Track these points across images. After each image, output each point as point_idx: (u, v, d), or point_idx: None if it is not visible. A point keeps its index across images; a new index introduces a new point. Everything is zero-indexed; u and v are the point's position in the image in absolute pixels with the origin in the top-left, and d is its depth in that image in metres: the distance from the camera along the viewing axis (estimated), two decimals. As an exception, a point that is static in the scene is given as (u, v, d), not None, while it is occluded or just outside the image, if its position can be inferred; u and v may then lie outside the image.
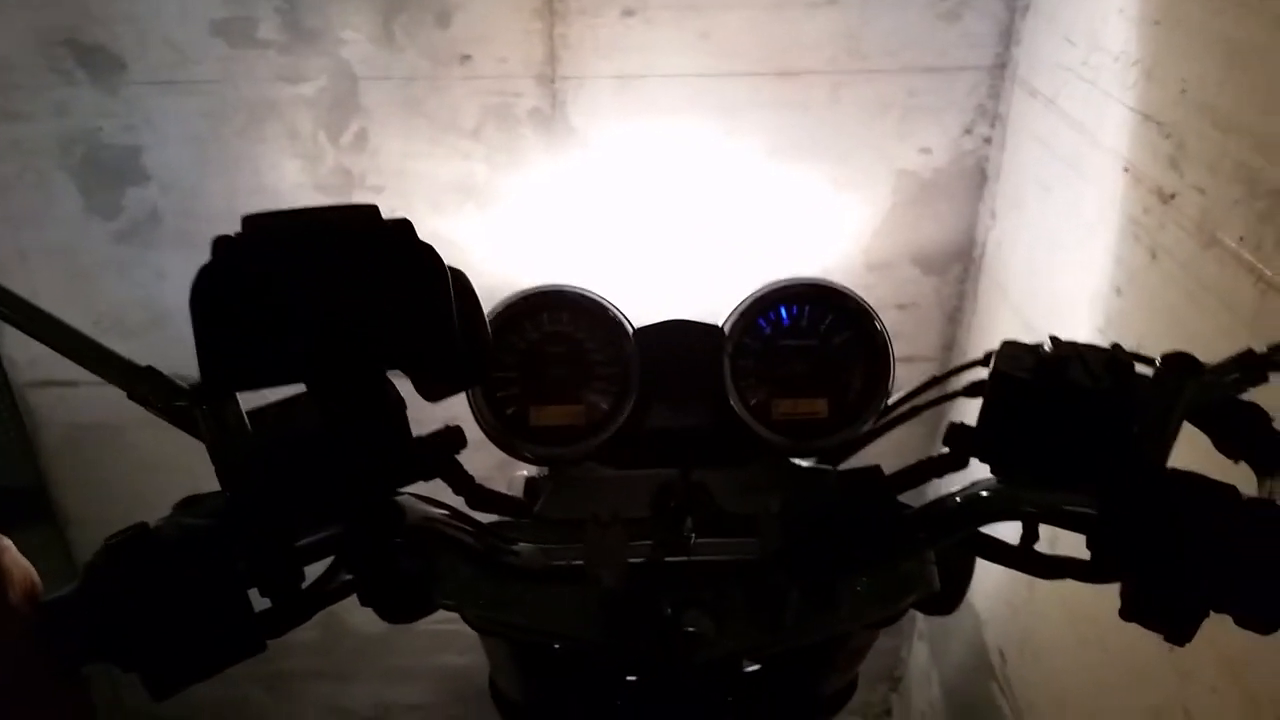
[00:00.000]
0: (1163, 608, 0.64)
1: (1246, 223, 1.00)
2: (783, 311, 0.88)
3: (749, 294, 0.88)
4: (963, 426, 0.72)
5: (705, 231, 1.69)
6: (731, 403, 0.86)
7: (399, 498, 0.69)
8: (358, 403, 0.64)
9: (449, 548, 0.72)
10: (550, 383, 0.88)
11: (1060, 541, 0.71)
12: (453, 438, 0.73)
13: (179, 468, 1.77)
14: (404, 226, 0.60)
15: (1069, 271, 1.39)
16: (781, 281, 0.88)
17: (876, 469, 0.79)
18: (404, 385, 0.66)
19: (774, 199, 1.67)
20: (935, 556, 0.76)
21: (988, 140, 1.63)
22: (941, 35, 1.56)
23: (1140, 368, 0.67)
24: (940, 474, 0.76)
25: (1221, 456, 0.68)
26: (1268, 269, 0.97)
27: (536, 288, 0.88)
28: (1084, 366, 0.67)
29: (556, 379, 0.88)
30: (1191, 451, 0.67)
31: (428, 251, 0.61)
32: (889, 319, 0.90)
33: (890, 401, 0.87)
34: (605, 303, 0.87)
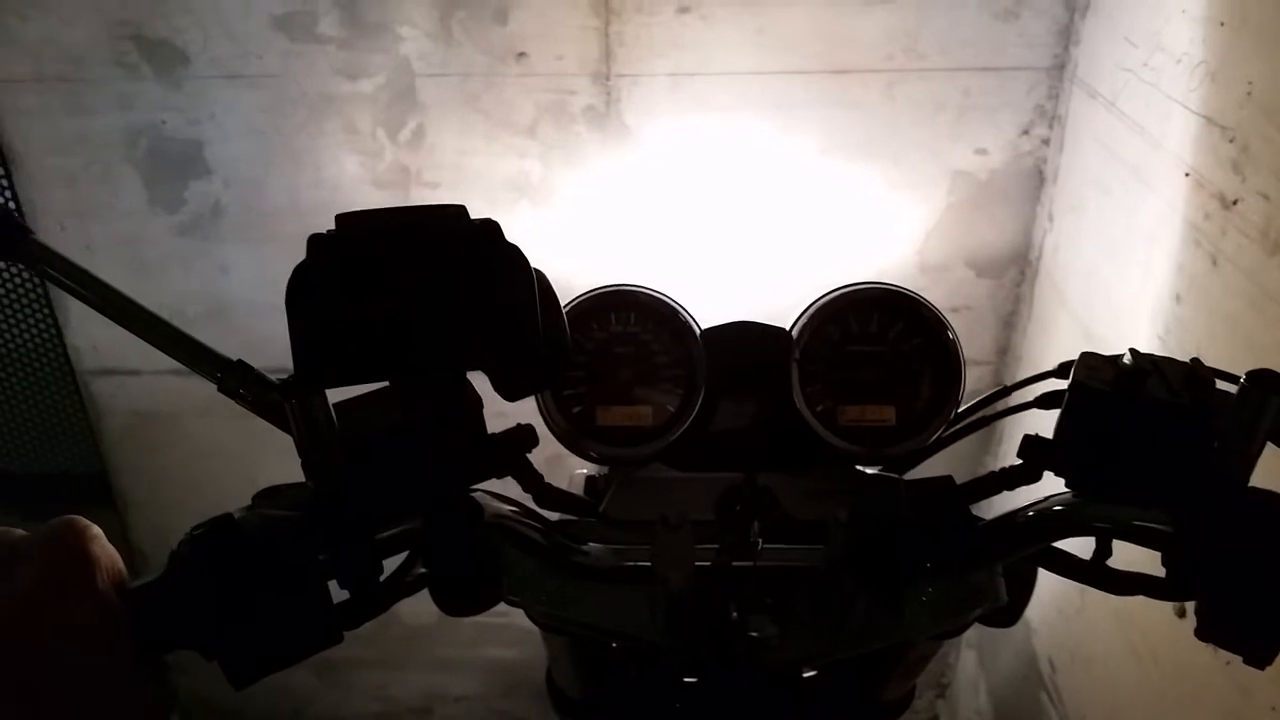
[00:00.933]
0: (1241, 629, 0.63)
1: (1315, 231, 0.99)
2: (851, 317, 0.87)
3: (817, 297, 0.88)
4: (1039, 439, 0.72)
5: (757, 230, 1.69)
6: (798, 408, 0.85)
7: (474, 494, 0.70)
8: (439, 401, 0.64)
9: (520, 544, 0.72)
10: (617, 383, 0.88)
11: (1123, 557, 0.71)
12: (525, 436, 0.74)
13: (233, 455, 1.82)
14: (491, 227, 0.61)
15: (1128, 277, 1.38)
16: (851, 286, 0.87)
17: (949, 479, 0.79)
18: (478, 381, 0.67)
19: (827, 198, 1.67)
20: (1002, 568, 0.76)
21: (1046, 142, 1.62)
22: (999, 34, 1.55)
23: (1221, 384, 0.66)
24: (1013, 486, 0.75)
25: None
26: (1336, 279, 0.96)
27: (605, 287, 0.88)
28: (1163, 381, 0.66)
29: (623, 379, 0.88)
30: (1273, 471, 0.66)
31: (514, 252, 0.62)
32: (942, 322, 0.89)
33: (958, 410, 0.86)
34: (674, 304, 0.87)
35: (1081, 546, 0.72)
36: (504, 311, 0.62)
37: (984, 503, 0.78)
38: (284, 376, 0.63)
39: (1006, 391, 0.87)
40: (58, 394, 1.92)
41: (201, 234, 1.72)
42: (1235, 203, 1.12)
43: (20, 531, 0.56)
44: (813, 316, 0.87)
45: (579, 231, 1.70)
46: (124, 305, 0.77)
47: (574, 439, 0.87)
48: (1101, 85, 1.47)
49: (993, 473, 0.76)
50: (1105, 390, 0.67)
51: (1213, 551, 0.63)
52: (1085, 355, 0.70)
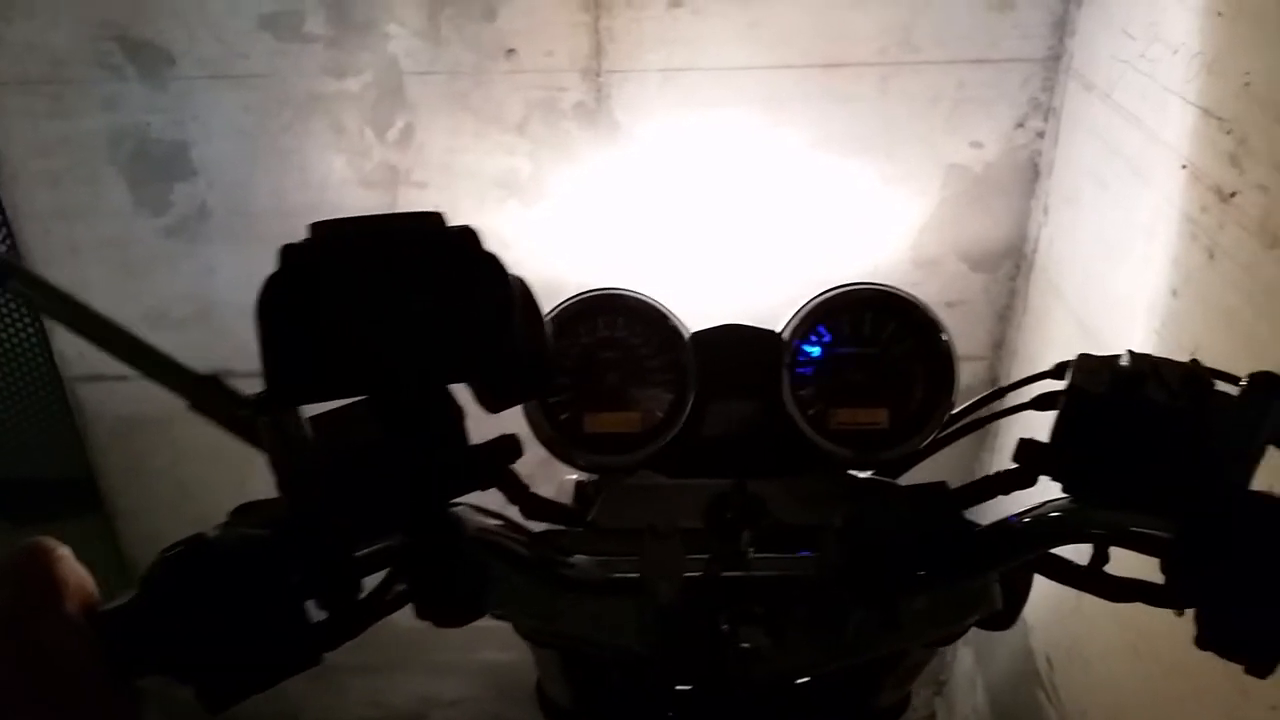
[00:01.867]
0: (1242, 637, 0.62)
1: (1314, 225, 0.97)
2: (843, 318, 0.86)
3: (809, 299, 0.86)
4: (1034, 443, 0.70)
5: (750, 226, 1.67)
6: (789, 411, 0.84)
7: (455, 508, 0.68)
8: (418, 413, 0.63)
9: (504, 558, 0.71)
10: (604, 389, 0.86)
11: (1123, 563, 0.69)
12: (509, 446, 0.72)
13: (223, 461, 1.80)
14: (468, 234, 0.60)
15: (1124, 270, 1.36)
16: (843, 287, 0.86)
17: (942, 485, 0.78)
18: (460, 393, 0.65)
19: (820, 193, 1.65)
20: (997, 574, 0.75)
21: (1041, 134, 1.60)
22: (993, 26, 1.53)
23: (1220, 385, 0.65)
24: (1007, 491, 0.74)
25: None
26: (1336, 274, 0.94)
27: (592, 291, 0.87)
28: (1162, 383, 0.65)
29: (611, 385, 0.86)
30: (1274, 474, 0.65)
31: (491, 260, 0.60)
32: (937, 316, 0.88)
33: (952, 413, 0.85)
34: (662, 308, 0.86)
35: (1079, 552, 0.70)
36: (482, 321, 0.61)
37: (979, 507, 0.77)
38: (257, 392, 0.61)
39: (1001, 393, 0.85)
40: (44, 400, 1.89)
41: (188, 236, 1.70)
42: (1233, 195, 1.10)
43: None
44: (804, 318, 0.85)
45: (569, 230, 1.68)
46: (91, 319, 0.76)
47: (561, 446, 0.85)
48: (1097, 77, 1.45)
49: (988, 477, 0.75)
50: (1102, 394, 0.66)
51: (1213, 558, 0.62)
52: (1082, 357, 0.69)
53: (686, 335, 0.86)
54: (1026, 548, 0.69)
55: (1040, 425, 0.73)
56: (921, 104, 1.59)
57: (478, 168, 1.64)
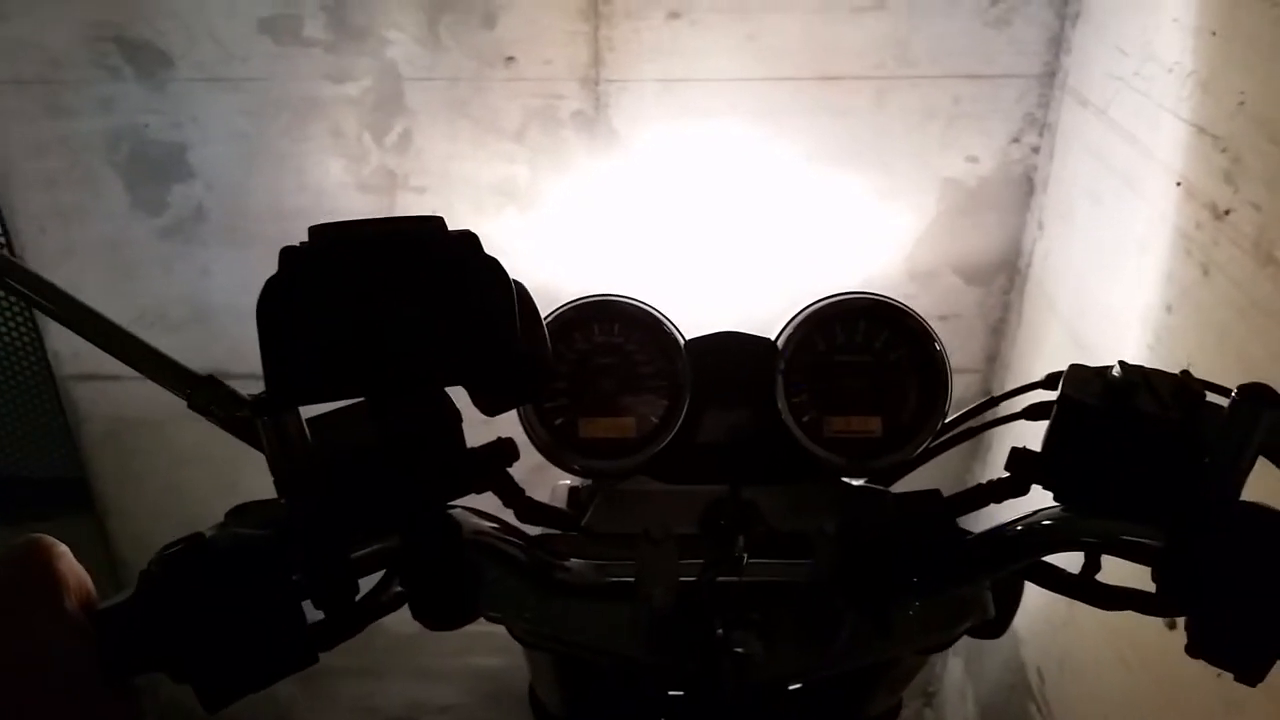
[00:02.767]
0: (1232, 646, 0.62)
1: (1307, 242, 0.98)
2: (837, 327, 0.86)
3: (803, 307, 0.87)
4: (1026, 452, 0.71)
5: (746, 237, 1.68)
6: (783, 419, 0.84)
7: (452, 510, 0.69)
8: (416, 416, 0.63)
9: (499, 561, 0.71)
10: (599, 395, 0.86)
11: (1114, 573, 0.70)
12: (505, 450, 0.72)
13: (214, 462, 1.80)
14: (469, 238, 0.60)
15: (1118, 286, 1.37)
16: (837, 295, 0.86)
17: (936, 493, 0.78)
18: (457, 396, 0.65)
19: (816, 206, 1.66)
20: (989, 582, 0.75)
21: (1036, 150, 1.61)
22: (990, 42, 1.54)
23: (1211, 396, 0.66)
24: (1000, 499, 0.74)
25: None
26: (1329, 290, 0.95)
27: (587, 297, 0.87)
28: (1153, 394, 0.65)
29: (606, 391, 0.86)
30: (1265, 485, 0.65)
31: (492, 264, 0.60)
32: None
33: (945, 422, 0.85)
34: (658, 314, 0.86)
35: (1070, 561, 0.71)
36: (482, 325, 0.61)
37: (971, 516, 0.77)
38: (256, 393, 0.61)
39: (994, 402, 0.86)
40: (37, 399, 1.89)
41: (184, 237, 1.70)
42: (1227, 213, 1.11)
43: None
44: (798, 326, 0.85)
45: (566, 237, 1.68)
46: (90, 318, 0.76)
47: (556, 451, 0.85)
48: (1092, 93, 1.46)
49: (980, 485, 0.76)
50: (1094, 404, 0.66)
51: (1204, 567, 0.62)
52: (1074, 367, 0.69)
53: (682, 342, 0.86)
54: (1019, 555, 0.69)
55: (1032, 435, 0.74)
56: (917, 118, 1.60)
57: (475, 174, 1.65)
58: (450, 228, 0.62)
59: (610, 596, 0.73)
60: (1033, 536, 0.68)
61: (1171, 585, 0.64)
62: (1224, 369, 1.11)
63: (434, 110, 1.61)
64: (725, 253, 1.69)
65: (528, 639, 0.78)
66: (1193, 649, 0.64)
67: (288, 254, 0.59)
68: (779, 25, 1.53)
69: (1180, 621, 0.66)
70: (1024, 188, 1.65)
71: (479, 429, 0.69)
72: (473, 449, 0.70)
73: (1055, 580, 0.71)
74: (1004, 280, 1.72)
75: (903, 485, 0.85)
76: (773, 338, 0.87)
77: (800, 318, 0.86)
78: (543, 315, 0.67)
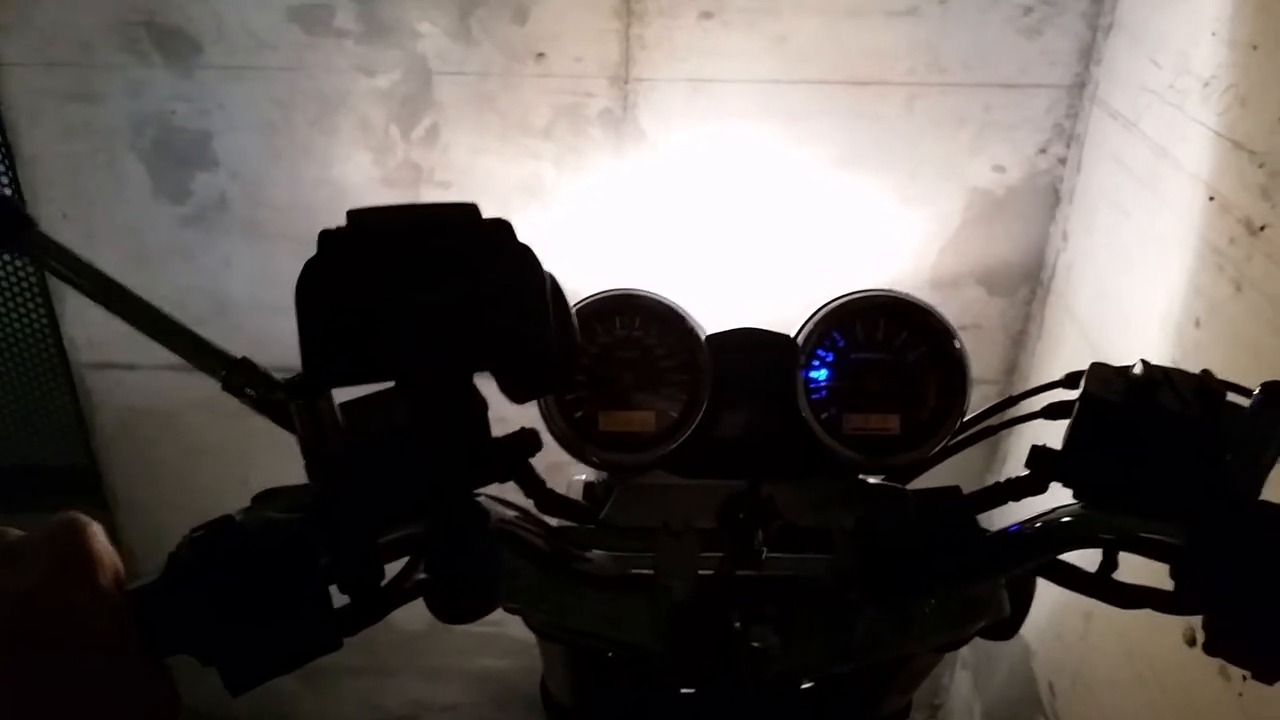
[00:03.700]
0: (1250, 644, 0.62)
1: (1343, 258, 0.97)
2: (857, 324, 0.86)
3: (823, 304, 0.87)
4: (1047, 450, 0.71)
5: (769, 239, 1.68)
6: (803, 415, 0.84)
7: (478, 498, 0.69)
8: (446, 403, 0.63)
9: (522, 550, 0.71)
10: (620, 388, 0.86)
11: (1129, 572, 0.69)
12: (529, 440, 0.72)
13: (226, 454, 1.81)
14: (503, 226, 0.60)
15: (1144, 300, 1.36)
16: (857, 293, 0.86)
17: (955, 489, 0.77)
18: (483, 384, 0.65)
19: (840, 210, 1.65)
20: (1005, 580, 0.75)
21: (1063, 160, 1.61)
22: (1021, 51, 1.54)
23: (1232, 396, 0.65)
24: (1019, 497, 0.74)
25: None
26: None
27: (610, 291, 0.87)
28: (1175, 392, 0.65)
29: (626, 385, 0.86)
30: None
31: (526, 253, 0.60)
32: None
33: (964, 420, 0.85)
34: (680, 310, 0.86)
35: (1088, 559, 0.70)
36: (514, 313, 0.61)
37: (990, 513, 0.77)
38: (289, 375, 0.62)
39: (1013, 401, 0.85)
40: (51, 386, 1.90)
41: (206, 226, 1.71)
42: (1263, 229, 1.10)
43: (17, 530, 0.54)
44: (818, 323, 0.85)
45: (590, 236, 1.68)
46: (128, 299, 0.76)
47: (576, 444, 0.85)
48: (1122, 105, 1.45)
49: (999, 483, 0.75)
50: (1116, 401, 0.66)
51: (1223, 565, 0.62)
52: (1095, 366, 0.69)
53: (703, 337, 0.86)
54: (1037, 552, 0.69)
55: (1051, 434, 0.73)
56: (946, 126, 1.59)
57: (501, 170, 1.65)
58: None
59: (629, 588, 0.74)
60: (1052, 533, 0.68)
61: (1190, 583, 0.64)
62: (1256, 385, 1.10)
63: (462, 105, 1.61)
64: (748, 255, 1.68)
65: (545, 630, 0.78)
66: (1210, 647, 0.63)
67: (326, 237, 0.59)
68: (811, 28, 1.53)
69: (1200, 637, 0.65)
70: (1049, 198, 1.64)
71: (496, 424, 0.69)
72: (498, 438, 0.70)
73: (1072, 578, 0.71)
74: (1026, 291, 1.71)
75: (921, 483, 0.84)
76: (793, 334, 0.87)
77: (821, 314, 0.86)
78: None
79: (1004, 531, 0.70)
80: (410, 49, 1.57)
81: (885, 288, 0.87)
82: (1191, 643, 1.13)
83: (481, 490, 0.69)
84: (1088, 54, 1.53)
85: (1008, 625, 0.77)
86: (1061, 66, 1.55)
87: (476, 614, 0.73)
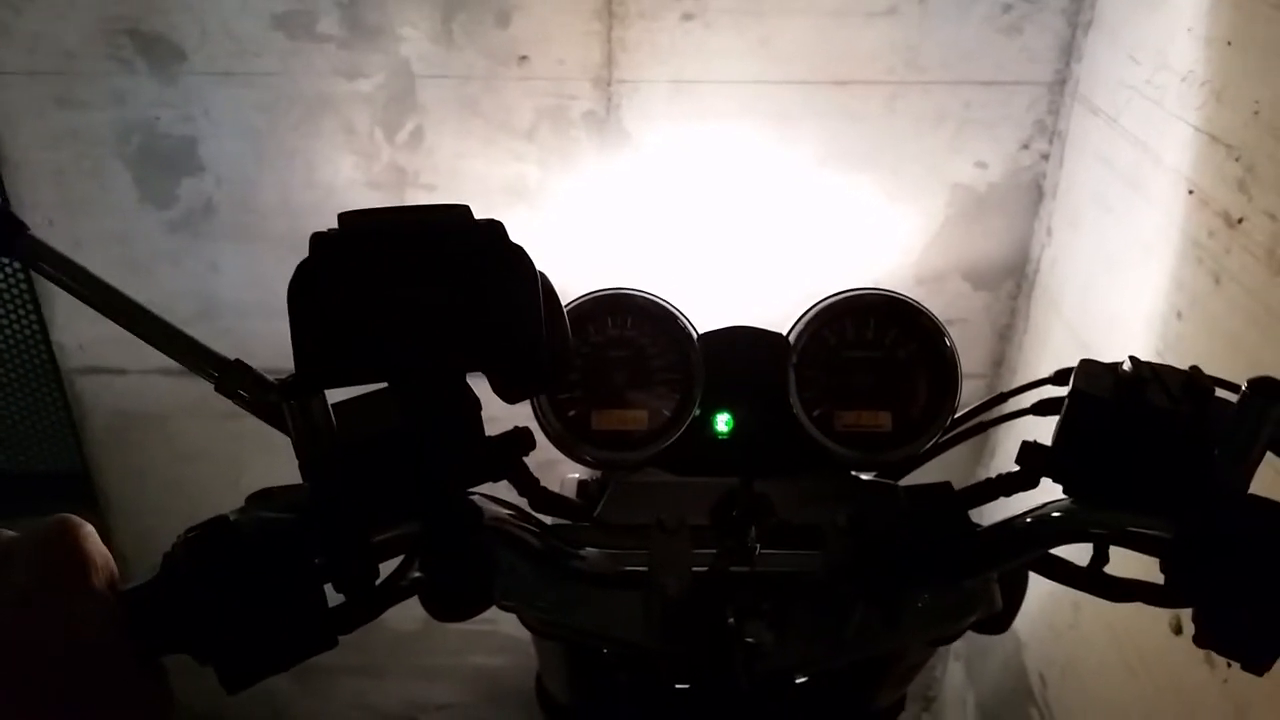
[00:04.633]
0: (1239, 636, 0.63)
1: (1320, 249, 0.98)
2: (848, 322, 0.87)
3: (815, 302, 0.87)
4: (1037, 445, 0.71)
5: (755, 240, 1.68)
6: (795, 413, 0.85)
7: (472, 497, 0.69)
8: (439, 402, 0.64)
9: (516, 548, 0.71)
10: (613, 387, 0.87)
11: (1120, 565, 0.70)
12: (522, 439, 0.73)
13: (217, 458, 1.81)
14: (495, 227, 0.61)
15: (1127, 293, 1.37)
16: (849, 291, 0.87)
17: (947, 485, 0.78)
18: (476, 383, 0.66)
19: (825, 209, 1.66)
20: (997, 575, 0.75)
21: (1045, 156, 1.62)
22: (1001, 49, 1.55)
23: (1219, 392, 0.66)
24: (1010, 493, 0.75)
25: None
26: (1341, 297, 0.95)
27: (602, 290, 0.87)
28: (1163, 388, 0.66)
29: (619, 383, 0.87)
30: (1273, 480, 0.66)
31: (518, 253, 0.61)
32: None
33: (954, 417, 0.86)
34: (672, 308, 0.86)
35: (1079, 554, 0.71)
36: (507, 313, 0.62)
37: (980, 509, 0.78)
38: (282, 377, 0.62)
39: (1003, 398, 0.86)
40: (41, 391, 1.90)
41: (192, 231, 1.70)
42: (1240, 221, 1.11)
43: (10, 532, 0.54)
44: (810, 321, 0.86)
45: (576, 237, 1.69)
46: (121, 303, 0.76)
47: (569, 443, 0.86)
48: (1103, 101, 1.47)
49: (990, 479, 0.76)
50: (1105, 398, 0.67)
51: (1212, 559, 0.63)
52: (1085, 362, 0.70)
53: (695, 335, 0.87)
54: (1029, 547, 0.70)
55: (1040, 431, 0.74)
56: (928, 123, 1.60)
57: (486, 173, 1.65)
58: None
59: (623, 585, 0.73)
60: (1043, 528, 0.69)
61: (1180, 577, 0.65)
62: (1236, 377, 1.11)
63: (446, 108, 1.61)
64: (734, 255, 1.69)
65: (539, 627, 0.79)
66: (1200, 639, 0.64)
67: (318, 239, 0.60)
68: (792, 29, 1.54)
69: (1187, 626, 0.66)
70: (1033, 194, 1.65)
71: (489, 423, 0.70)
72: (491, 437, 0.70)
73: (1064, 572, 0.72)
74: (1011, 286, 1.73)
75: (912, 479, 0.85)
76: (784, 333, 0.88)
77: (812, 313, 0.87)
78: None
79: (995, 527, 0.71)
80: (393, 53, 1.57)
81: (877, 286, 0.88)
82: (1178, 631, 1.14)
83: (475, 489, 0.70)
84: (1068, 51, 1.55)
85: (1000, 619, 0.77)
86: (1041, 63, 1.56)
87: (471, 612, 0.73)
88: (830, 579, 0.70)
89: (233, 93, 1.61)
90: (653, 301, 0.87)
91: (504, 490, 0.75)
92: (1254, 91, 1.10)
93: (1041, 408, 0.78)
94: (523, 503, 0.78)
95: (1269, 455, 0.65)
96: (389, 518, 0.63)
